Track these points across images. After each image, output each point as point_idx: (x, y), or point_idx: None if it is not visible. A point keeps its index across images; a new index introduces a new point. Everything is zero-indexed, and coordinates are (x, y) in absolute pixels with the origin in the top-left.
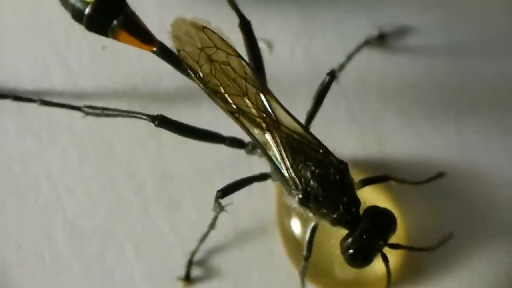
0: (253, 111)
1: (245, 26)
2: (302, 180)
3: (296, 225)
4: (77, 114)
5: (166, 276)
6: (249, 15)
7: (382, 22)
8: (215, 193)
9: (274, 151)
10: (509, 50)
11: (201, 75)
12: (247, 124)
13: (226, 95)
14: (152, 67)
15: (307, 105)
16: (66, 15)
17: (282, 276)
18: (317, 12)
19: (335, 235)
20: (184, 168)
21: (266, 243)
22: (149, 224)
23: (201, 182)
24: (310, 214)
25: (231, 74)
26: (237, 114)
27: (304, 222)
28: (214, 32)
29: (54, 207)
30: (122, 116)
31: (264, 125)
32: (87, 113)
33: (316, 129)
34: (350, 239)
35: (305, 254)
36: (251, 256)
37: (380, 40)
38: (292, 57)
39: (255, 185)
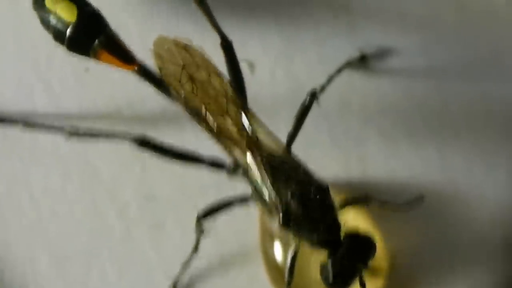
0: (234, 130)
1: (227, 46)
2: (283, 200)
3: (279, 252)
4: (60, 136)
5: None
6: (230, 36)
7: (363, 44)
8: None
9: (255, 170)
10: (488, 73)
11: (182, 93)
12: (228, 143)
13: (207, 114)
14: (136, 89)
15: (288, 126)
16: (49, 38)
17: None
18: (298, 34)
19: (315, 259)
20: (167, 190)
21: (249, 269)
22: (132, 246)
23: (184, 204)
24: (291, 236)
25: (212, 93)
26: (218, 133)
27: (287, 248)
28: (196, 51)
29: (37, 229)
30: (105, 137)
31: (244, 143)
32: (70, 134)
33: (298, 150)
34: (330, 262)
35: (287, 279)
36: (234, 282)
37: (361, 62)
38: (273, 78)
39: (239, 211)
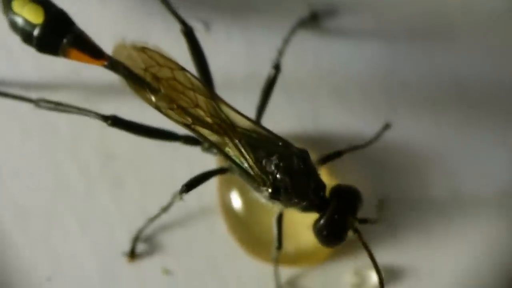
0: (207, 119)
1: (188, 33)
2: (269, 176)
3: (236, 201)
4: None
5: (111, 253)
6: None
7: (315, 1)
8: (180, 187)
9: (236, 152)
10: (438, 33)
11: (150, 95)
12: (205, 132)
13: (178, 109)
14: None
15: (246, 85)
16: None
17: (223, 250)
18: None
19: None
20: (127, 148)
21: (208, 220)
22: (93, 202)
23: (144, 161)
24: (278, 207)
25: (179, 88)
26: (193, 125)
27: (245, 199)
28: (154, 51)
29: None
30: (75, 113)
31: (220, 130)
32: (41, 107)
33: (254, 107)
34: (322, 221)
35: (277, 244)
36: (193, 232)
37: (313, 20)
38: (229, 37)
39: (197, 164)
